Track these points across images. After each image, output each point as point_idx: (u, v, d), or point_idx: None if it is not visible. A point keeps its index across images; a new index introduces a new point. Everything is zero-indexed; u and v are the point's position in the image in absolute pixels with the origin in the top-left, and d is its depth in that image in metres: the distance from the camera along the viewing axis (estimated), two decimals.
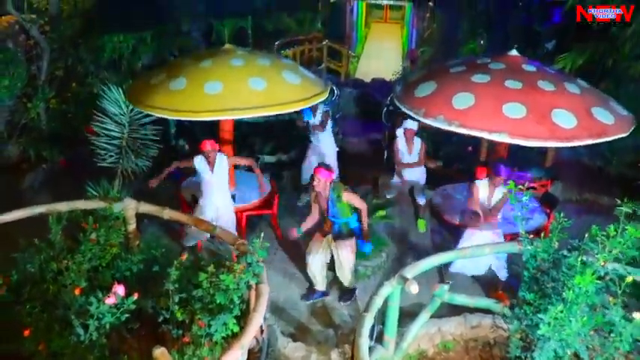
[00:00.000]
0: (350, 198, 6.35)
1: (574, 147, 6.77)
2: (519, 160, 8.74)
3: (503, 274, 6.85)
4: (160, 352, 3.92)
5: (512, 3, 14.64)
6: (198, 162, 6.97)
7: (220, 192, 7.11)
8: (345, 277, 6.72)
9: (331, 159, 9.04)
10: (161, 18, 12.69)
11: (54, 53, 10.17)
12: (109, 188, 7.82)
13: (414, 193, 8.78)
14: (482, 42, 15.78)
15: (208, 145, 6.82)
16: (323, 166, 6.35)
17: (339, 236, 6.53)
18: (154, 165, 8.33)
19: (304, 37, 16.17)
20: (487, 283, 7.11)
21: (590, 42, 10.58)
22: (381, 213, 8.48)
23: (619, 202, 4.48)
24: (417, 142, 8.51)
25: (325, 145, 9.14)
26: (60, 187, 9.41)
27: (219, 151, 7.06)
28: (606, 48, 10.36)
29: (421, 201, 8.63)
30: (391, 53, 17.82)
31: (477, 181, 6.75)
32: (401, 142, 8.45)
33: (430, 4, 16.45)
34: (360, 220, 6.52)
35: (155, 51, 12.60)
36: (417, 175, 8.69)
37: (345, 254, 6.56)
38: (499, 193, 6.62)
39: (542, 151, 9.57)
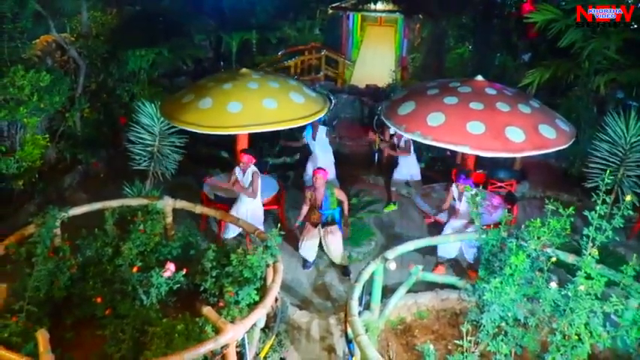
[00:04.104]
0: (338, 194, 8.22)
1: None
2: (492, 162, 10.17)
3: (470, 257, 8.30)
4: (207, 309, 5.43)
5: (494, 15, 16.02)
6: (237, 172, 8.42)
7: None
8: (335, 256, 8.42)
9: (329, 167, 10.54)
10: (176, 33, 14.03)
11: (87, 69, 11.61)
12: (141, 187, 9.25)
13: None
14: (470, 47, 17.23)
15: (245, 158, 8.26)
16: (320, 168, 8.20)
17: (326, 224, 8.26)
18: (177, 167, 9.82)
19: (304, 47, 17.50)
20: (459, 266, 8.64)
21: (555, 59, 11.98)
22: (392, 207, 10.44)
23: (552, 199, 5.93)
24: None
25: (321, 156, 10.57)
26: (95, 186, 10.95)
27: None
28: (569, 65, 11.76)
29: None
30: (385, 59, 18.77)
31: (452, 186, 8.23)
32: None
33: (420, 16, 17.76)
34: (342, 212, 8.38)
35: (170, 62, 14.04)
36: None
37: (331, 237, 8.26)
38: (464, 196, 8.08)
39: None
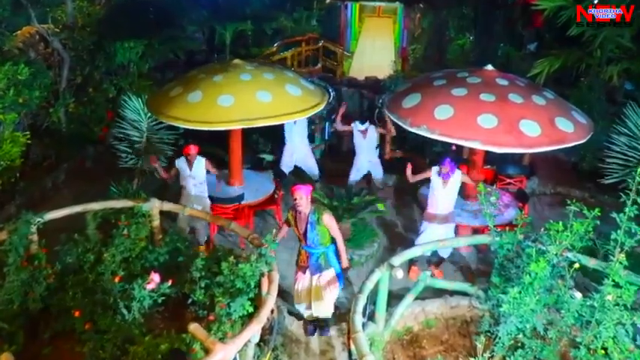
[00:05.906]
0: (329, 222, 6.08)
1: None
2: (500, 158, 9.60)
3: (445, 253, 7.76)
4: (193, 326, 4.86)
5: (497, 5, 15.50)
6: (180, 162, 7.89)
7: (196, 186, 7.93)
8: (325, 311, 6.51)
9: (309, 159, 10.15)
10: (167, 23, 13.46)
11: (72, 62, 11.03)
12: (128, 187, 8.68)
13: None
14: (471, 38, 16.72)
15: (192, 149, 7.75)
16: (298, 182, 6.32)
17: (318, 270, 6.26)
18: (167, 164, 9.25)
19: (301, 38, 16.91)
20: (466, 270, 8.09)
21: (563, 48, 11.44)
22: (380, 206, 9.52)
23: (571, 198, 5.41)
24: None
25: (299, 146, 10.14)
26: (80, 184, 10.33)
27: (198, 154, 7.87)
28: (580, 54, 11.22)
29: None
30: (384, 50, 18.30)
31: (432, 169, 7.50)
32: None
33: (420, 6, 17.22)
34: (337, 251, 6.29)
35: (161, 54, 13.45)
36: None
37: (326, 288, 6.35)
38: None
39: None
